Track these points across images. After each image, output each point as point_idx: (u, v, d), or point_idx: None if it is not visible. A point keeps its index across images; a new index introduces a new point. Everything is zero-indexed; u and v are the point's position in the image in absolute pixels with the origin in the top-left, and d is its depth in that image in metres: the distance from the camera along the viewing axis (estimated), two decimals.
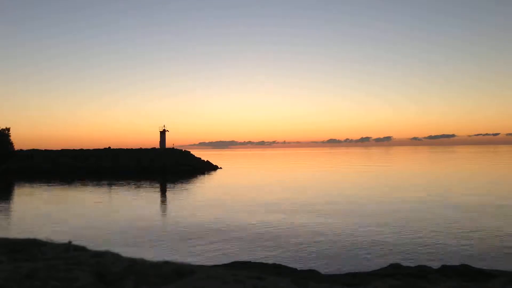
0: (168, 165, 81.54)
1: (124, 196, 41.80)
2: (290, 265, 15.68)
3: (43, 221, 27.28)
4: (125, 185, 53.82)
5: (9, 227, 25.80)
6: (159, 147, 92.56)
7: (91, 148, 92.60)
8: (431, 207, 31.07)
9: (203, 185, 54.38)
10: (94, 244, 19.34)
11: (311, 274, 13.43)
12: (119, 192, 45.52)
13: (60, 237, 20.60)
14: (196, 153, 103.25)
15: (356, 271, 14.97)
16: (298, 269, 14.84)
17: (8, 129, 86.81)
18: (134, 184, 55.36)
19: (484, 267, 14.62)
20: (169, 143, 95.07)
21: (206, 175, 72.13)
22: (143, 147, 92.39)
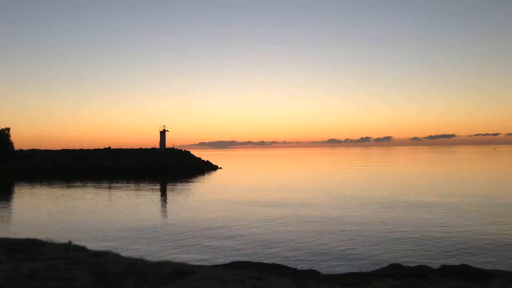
0: (168, 165, 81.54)
1: (124, 196, 41.80)
2: (290, 265, 15.68)
3: (43, 221, 27.28)
4: (125, 185, 53.82)
5: (9, 227, 25.80)
6: (159, 147, 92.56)
7: (91, 148, 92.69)
8: (431, 207, 31.06)
9: (203, 185, 54.38)
10: (94, 244, 19.40)
11: (311, 274, 13.43)
12: (119, 192, 45.51)
13: (60, 237, 20.50)
14: (196, 153, 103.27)
15: (356, 271, 14.98)
16: (298, 269, 14.84)
17: (8, 129, 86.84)
18: (134, 184, 55.35)
19: (484, 267, 14.62)
20: (169, 143, 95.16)
21: (206, 175, 72.12)
22: (143, 147, 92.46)
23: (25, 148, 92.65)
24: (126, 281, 2.59)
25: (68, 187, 52.79)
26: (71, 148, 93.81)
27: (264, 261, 16.27)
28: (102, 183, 58.00)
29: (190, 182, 59.16)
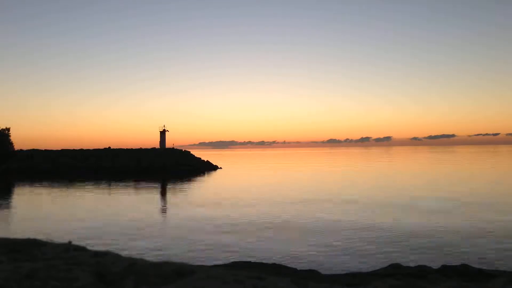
0: (168, 165, 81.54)
1: (124, 196, 41.80)
2: (290, 265, 15.68)
3: (43, 221, 27.28)
4: (125, 185, 53.82)
5: (9, 227, 25.80)
6: (159, 147, 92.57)
7: (91, 148, 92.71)
8: (431, 207, 31.06)
9: (203, 185, 54.39)
10: (94, 244, 19.40)
11: (311, 274, 13.43)
12: (119, 192, 45.52)
13: (60, 237, 20.47)
14: (196, 153, 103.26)
15: (356, 271, 14.98)
16: (298, 269, 14.84)
17: (8, 129, 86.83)
18: (134, 184, 55.36)
19: (484, 267, 14.63)
20: (169, 143, 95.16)
21: (206, 175, 72.13)
22: (143, 147, 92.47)
23: (25, 148, 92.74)
24: (126, 281, 2.60)
25: (68, 187, 52.79)
26: (71, 148, 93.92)
27: (264, 261, 16.27)
28: (102, 183, 58.01)
29: (190, 182, 59.16)
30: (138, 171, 78.08)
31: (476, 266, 14.49)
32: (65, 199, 40.44)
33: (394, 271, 13.39)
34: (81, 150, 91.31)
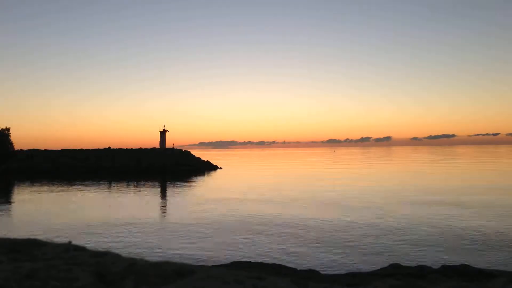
0: (168, 165, 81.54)
1: (124, 196, 41.80)
2: (290, 265, 15.68)
3: (43, 221, 27.28)
4: (125, 185, 53.81)
5: (9, 227, 25.80)
6: (159, 147, 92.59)
7: (91, 148, 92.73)
8: (431, 207, 31.06)
9: (203, 185, 54.39)
10: (94, 244, 19.39)
11: (311, 274, 13.43)
12: (119, 192, 45.51)
13: (60, 237, 20.44)
14: (196, 153, 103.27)
15: (356, 271, 14.97)
16: (298, 269, 14.85)
17: (8, 129, 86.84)
18: (134, 184, 55.35)
19: (484, 267, 14.63)
20: (169, 143, 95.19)
21: (206, 175, 72.12)
22: (143, 147, 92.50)
23: (25, 148, 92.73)
24: (126, 281, 2.60)
25: (68, 187, 52.79)
26: (71, 148, 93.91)
27: (264, 261, 16.27)
28: (102, 183, 58.00)
29: (190, 182, 59.15)
30: (138, 171, 78.07)
31: (476, 266, 14.49)
32: (65, 199, 40.43)
33: (394, 271, 13.40)
34: (81, 150, 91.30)
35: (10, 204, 37.10)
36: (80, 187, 51.84)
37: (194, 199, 39.11)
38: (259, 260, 16.72)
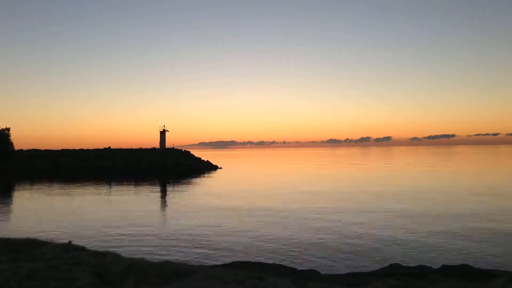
0: (168, 165, 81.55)
1: (124, 196, 41.80)
2: (290, 265, 15.68)
3: (43, 221, 27.28)
4: (125, 185, 53.82)
5: (9, 227, 25.80)
6: (159, 147, 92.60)
7: (91, 148, 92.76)
8: (431, 207, 31.06)
9: (203, 185, 54.38)
10: (94, 244, 19.38)
11: (311, 274, 13.44)
12: (119, 192, 45.51)
13: (60, 237, 20.39)
14: (196, 153, 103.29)
15: (356, 271, 14.97)
16: (298, 269, 14.85)
17: (8, 129, 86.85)
18: (134, 184, 55.35)
19: (484, 267, 14.63)
20: (169, 143, 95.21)
21: (206, 175, 72.12)
22: (143, 147, 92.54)
23: (25, 148, 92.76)
24: (126, 281, 2.60)
25: (68, 187, 52.79)
26: (71, 148, 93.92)
27: (264, 261, 16.27)
28: (102, 183, 58.00)
29: (190, 182, 59.15)
30: (138, 171, 78.08)
31: (476, 266, 14.50)
32: (65, 199, 40.44)
33: (394, 271, 13.40)
34: (81, 150, 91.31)
35: (10, 204, 37.10)
36: (80, 187, 51.84)
37: (193, 199, 39.11)
38: (259, 260, 16.72)
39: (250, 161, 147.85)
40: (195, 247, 19.72)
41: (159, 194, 44.22)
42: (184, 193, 44.46)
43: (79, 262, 2.84)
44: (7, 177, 70.63)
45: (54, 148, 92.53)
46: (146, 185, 54.45)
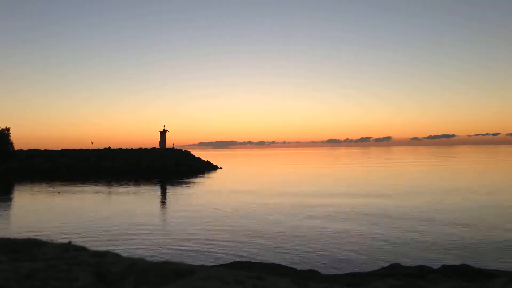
0: (168, 165, 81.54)
1: (124, 196, 41.80)
2: (290, 265, 15.68)
3: (43, 221, 27.28)
4: (125, 185, 53.82)
5: (9, 227, 25.80)
6: (159, 147, 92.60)
7: (91, 148, 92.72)
8: (431, 207, 31.05)
9: (203, 185, 54.39)
10: (94, 244, 19.37)
11: (311, 274, 13.43)
12: (119, 192, 45.51)
13: (60, 237, 20.37)
14: (196, 153, 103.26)
15: (356, 271, 14.97)
16: (298, 269, 14.84)
17: (8, 129, 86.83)
18: (134, 184, 55.35)
19: (484, 267, 14.63)
20: (169, 143, 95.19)
21: (206, 175, 72.12)
22: (143, 147, 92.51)
23: (25, 148, 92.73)
24: (126, 281, 2.60)
25: (68, 187, 52.80)
26: (71, 148, 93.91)
27: (264, 261, 16.27)
28: (102, 183, 58.00)
29: (190, 182, 59.16)
30: (138, 171, 78.07)
31: (476, 266, 14.49)
32: (65, 199, 40.44)
33: (394, 271, 13.40)
34: (81, 150, 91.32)
35: (10, 204, 37.11)
36: (80, 187, 51.84)
37: (194, 199, 39.10)
38: (259, 260, 16.72)
39: (250, 161, 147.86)
40: (195, 247, 19.72)
41: (159, 194, 44.22)
42: (184, 193, 44.46)
43: (79, 262, 2.84)
44: (7, 177, 70.62)
45: (54, 148, 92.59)
46: (146, 185, 54.45)
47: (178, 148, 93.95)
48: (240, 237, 21.75)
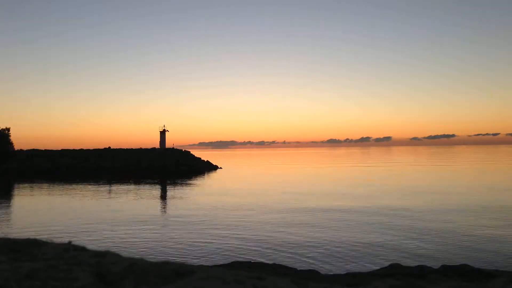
0: (168, 165, 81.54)
1: (124, 196, 41.81)
2: (290, 265, 15.68)
3: (43, 221, 27.28)
4: (125, 185, 53.82)
5: (9, 227, 25.80)
6: (159, 147, 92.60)
7: (91, 148, 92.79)
8: (431, 208, 31.07)
9: (203, 185, 54.38)
10: (94, 244, 19.37)
11: (311, 274, 13.43)
12: (119, 192, 45.52)
13: (60, 237, 20.42)
14: (196, 153, 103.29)
15: (356, 271, 14.97)
16: (298, 269, 14.84)
17: (8, 129, 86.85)
18: (134, 184, 55.35)
19: (484, 267, 14.63)
20: (169, 143, 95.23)
21: (206, 175, 72.12)
22: (143, 147, 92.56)
23: (25, 148, 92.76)
24: (126, 281, 2.60)
25: (68, 187, 52.79)
26: (71, 148, 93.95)
27: (264, 261, 16.27)
28: (102, 183, 58.01)
29: (190, 182, 59.16)
30: (138, 171, 78.07)
31: (476, 266, 14.49)
32: (65, 199, 40.44)
33: (394, 271, 13.40)
34: (81, 150, 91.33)
35: (10, 205, 37.11)
36: (80, 187, 51.84)
37: (193, 199, 39.11)
38: (259, 260, 16.72)
39: (250, 161, 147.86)
40: (195, 247, 19.73)
41: (159, 194, 44.23)
42: (184, 193, 44.46)
43: (79, 262, 2.84)
44: (7, 177, 70.62)
45: (54, 148, 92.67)
46: (146, 185, 54.46)
47: (178, 148, 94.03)
48: (240, 237, 21.76)
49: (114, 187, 51.34)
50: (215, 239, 21.34)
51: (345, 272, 14.68)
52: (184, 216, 28.82)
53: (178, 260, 16.83)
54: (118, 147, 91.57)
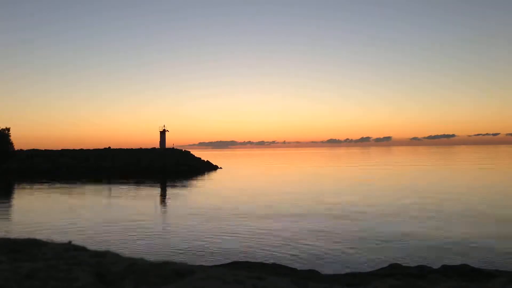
0: (168, 165, 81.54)
1: (124, 196, 41.81)
2: (290, 265, 15.68)
3: (43, 221, 27.28)
4: (125, 185, 53.82)
5: (9, 227, 25.80)
6: (159, 147, 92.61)
7: (91, 148, 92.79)
8: (431, 208, 31.06)
9: (203, 185, 54.39)
10: (94, 244, 19.37)
11: (311, 274, 13.44)
12: (119, 192, 45.52)
13: (60, 237, 20.47)
14: (196, 153, 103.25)
15: (356, 271, 14.97)
16: (298, 269, 14.85)
17: (8, 129, 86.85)
18: (134, 184, 55.35)
19: (484, 267, 14.63)
20: (169, 143, 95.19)
21: (206, 175, 72.13)
22: (143, 147, 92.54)
23: (25, 148, 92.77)
24: (126, 281, 2.60)
25: (68, 187, 52.79)
26: (71, 148, 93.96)
27: (264, 261, 16.27)
28: (102, 183, 58.01)
29: (190, 182, 59.16)
30: (138, 171, 78.08)
31: (476, 266, 14.49)
32: (65, 199, 40.45)
33: (394, 271, 13.40)
34: (81, 150, 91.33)
35: (10, 204, 37.11)
36: (80, 187, 51.85)
37: (194, 199, 39.11)
38: (259, 260, 16.72)
39: (250, 161, 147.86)
40: (195, 247, 19.73)
41: (159, 194, 44.22)
42: (184, 193, 44.46)
43: (79, 262, 2.84)
44: (7, 177, 70.62)
45: (54, 148, 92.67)
46: (146, 185, 54.46)
47: (178, 148, 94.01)
48: (240, 237, 21.75)
49: (114, 187, 51.34)
50: (215, 239, 21.34)
51: (345, 272, 14.69)
52: (184, 216, 28.82)
53: (178, 260, 16.82)
54: (118, 147, 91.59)
